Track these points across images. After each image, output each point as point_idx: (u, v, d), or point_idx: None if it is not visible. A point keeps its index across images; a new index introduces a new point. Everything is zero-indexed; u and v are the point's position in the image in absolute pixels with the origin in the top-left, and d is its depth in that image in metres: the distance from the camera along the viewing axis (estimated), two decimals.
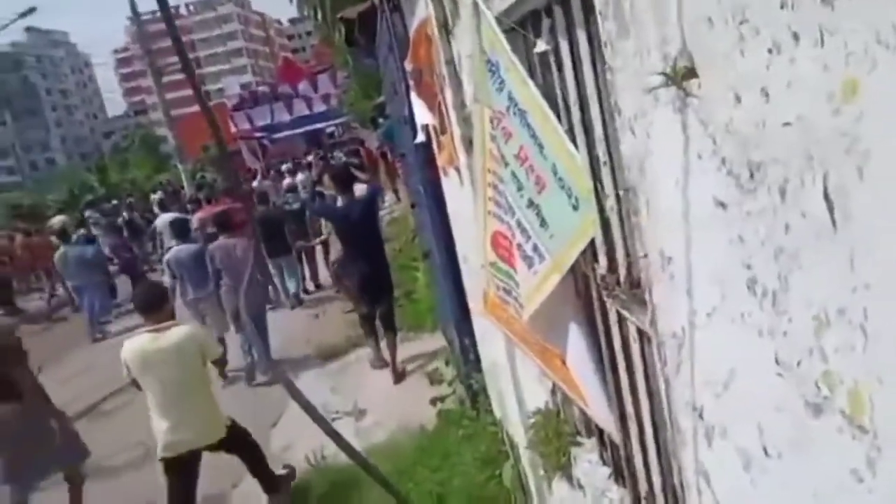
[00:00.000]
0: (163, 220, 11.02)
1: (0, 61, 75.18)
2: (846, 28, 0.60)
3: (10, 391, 4.27)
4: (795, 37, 0.67)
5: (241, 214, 7.12)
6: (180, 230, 7.65)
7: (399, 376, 5.95)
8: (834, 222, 0.66)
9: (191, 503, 3.98)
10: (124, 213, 18.07)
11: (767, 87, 0.72)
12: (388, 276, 6.36)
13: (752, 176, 0.79)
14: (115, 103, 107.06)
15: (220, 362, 4.97)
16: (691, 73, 0.88)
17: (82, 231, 13.48)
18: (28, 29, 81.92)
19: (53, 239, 11.98)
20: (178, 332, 4.00)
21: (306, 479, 4.65)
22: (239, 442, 4.26)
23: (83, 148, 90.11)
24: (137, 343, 3.96)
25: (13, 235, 15.97)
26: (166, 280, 6.99)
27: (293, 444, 5.16)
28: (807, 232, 0.70)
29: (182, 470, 3.95)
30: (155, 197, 20.82)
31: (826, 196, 0.66)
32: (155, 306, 4.07)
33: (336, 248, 7.20)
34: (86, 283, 9.97)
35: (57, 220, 14.33)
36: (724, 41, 0.79)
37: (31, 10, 27.12)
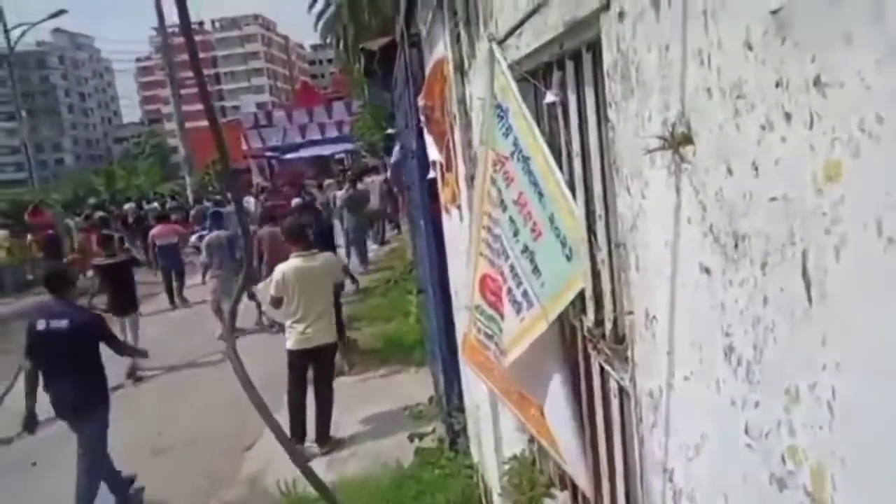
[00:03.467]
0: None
1: (23, 59, 76.09)
2: (834, 113, 0.62)
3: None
4: (787, 116, 0.69)
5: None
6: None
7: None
8: (810, 299, 0.67)
9: (304, 385, 5.43)
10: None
11: (757, 161, 0.74)
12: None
13: (736, 246, 0.80)
14: (130, 110, 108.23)
15: (340, 286, 6.45)
16: (688, 139, 0.90)
17: None
18: (55, 30, 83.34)
19: None
20: (322, 257, 5.55)
21: None
22: (329, 361, 5.57)
23: (94, 151, 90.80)
24: (293, 264, 5.33)
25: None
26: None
27: (266, 469, 5.08)
28: (784, 306, 0.72)
29: (303, 360, 5.39)
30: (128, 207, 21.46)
31: (804, 273, 0.67)
32: (303, 237, 5.50)
33: None
34: None
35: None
36: (720, 113, 0.81)
37: (62, 12, 27.62)
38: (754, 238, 0.76)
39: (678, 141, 0.92)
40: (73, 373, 4.49)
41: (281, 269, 5.36)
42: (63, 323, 4.56)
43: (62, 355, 4.50)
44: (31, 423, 4.62)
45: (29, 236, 16.40)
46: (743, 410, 0.82)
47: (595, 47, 1.40)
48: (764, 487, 0.78)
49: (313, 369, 5.49)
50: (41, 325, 4.60)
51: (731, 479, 0.87)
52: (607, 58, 1.18)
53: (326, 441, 5.40)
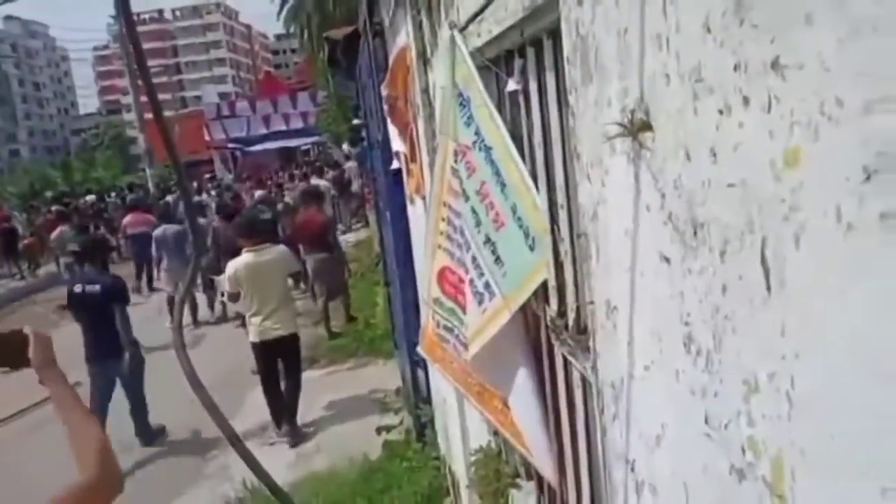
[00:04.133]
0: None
1: None
2: (793, 96, 0.60)
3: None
4: (745, 101, 0.67)
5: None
6: None
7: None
8: (769, 288, 0.66)
9: (275, 374, 5.51)
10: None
11: (715, 147, 0.73)
12: None
13: (695, 234, 0.79)
14: (88, 100, 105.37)
15: (296, 275, 7.30)
16: (646, 125, 0.88)
17: None
18: (7, 17, 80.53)
19: None
20: (274, 250, 5.58)
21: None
22: (291, 351, 5.59)
23: (50, 142, 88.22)
24: (244, 259, 5.40)
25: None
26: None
27: (232, 464, 5.00)
28: (742, 295, 0.70)
29: (266, 351, 5.42)
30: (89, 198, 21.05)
31: (763, 261, 0.66)
32: (253, 232, 5.53)
33: None
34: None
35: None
36: (678, 98, 0.79)
37: None
38: (713, 225, 0.75)
39: (637, 127, 0.90)
40: (103, 327, 5.49)
41: (233, 264, 5.49)
42: (96, 287, 5.54)
43: (95, 314, 5.51)
44: None
45: None
46: (702, 400, 0.81)
47: (555, 33, 1.37)
48: (724, 478, 0.77)
49: (281, 360, 5.57)
50: (78, 288, 5.64)
51: (691, 469, 0.86)
52: (567, 43, 1.15)
53: (292, 429, 5.44)
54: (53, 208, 17.66)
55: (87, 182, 33.84)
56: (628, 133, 0.91)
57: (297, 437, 5.42)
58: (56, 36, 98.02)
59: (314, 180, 14.07)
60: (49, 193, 26.28)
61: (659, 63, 0.83)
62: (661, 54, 0.82)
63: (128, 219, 12.01)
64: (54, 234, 11.85)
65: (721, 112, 0.71)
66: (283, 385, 5.58)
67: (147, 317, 9.66)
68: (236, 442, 1.63)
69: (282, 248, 5.78)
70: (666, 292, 0.87)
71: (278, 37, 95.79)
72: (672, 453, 0.93)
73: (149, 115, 26.17)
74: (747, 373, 0.71)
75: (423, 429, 4.53)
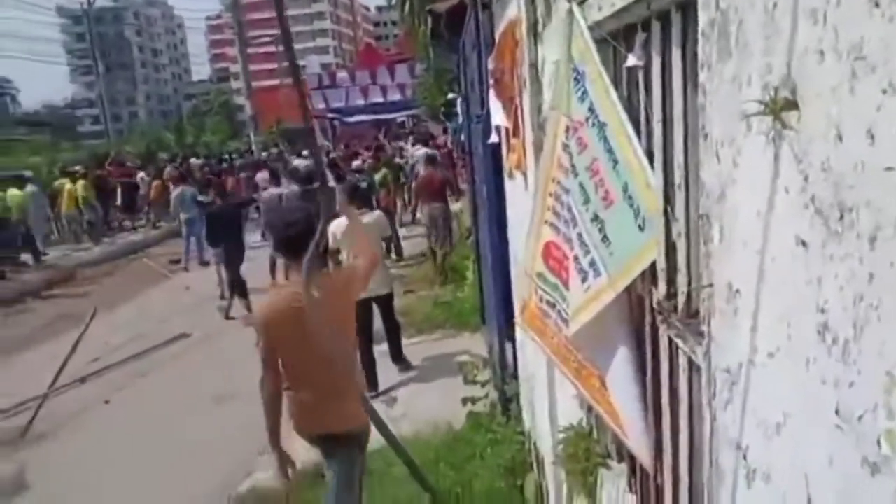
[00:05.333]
0: None
1: (101, 14, 78.48)
2: None
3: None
4: None
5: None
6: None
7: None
8: None
9: (370, 333, 5.90)
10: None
11: (874, 128, 0.69)
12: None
13: (841, 218, 0.76)
14: (200, 68, 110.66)
15: (388, 240, 8.95)
16: (792, 104, 0.85)
17: None
18: None
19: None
20: (371, 215, 6.26)
21: None
22: (390, 308, 6.32)
23: (165, 106, 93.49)
24: (343, 221, 5.53)
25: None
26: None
27: None
28: (892, 284, 0.67)
29: (363, 310, 5.48)
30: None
31: None
32: (355, 199, 5.98)
33: None
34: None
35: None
36: (834, 76, 0.76)
37: None
38: (863, 210, 0.72)
39: (780, 106, 0.86)
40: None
41: (334, 224, 5.77)
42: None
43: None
44: None
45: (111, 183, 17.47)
46: (835, 390, 0.78)
47: (685, 6, 1.33)
48: (853, 471, 0.75)
49: (380, 313, 6.18)
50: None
51: (814, 460, 0.84)
52: (703, 17, 1.12)
53: (400, 361, 6.34)
54: (169, 168, 18.77)
55: (198, 145, 35.68)
56: (770, 112, 0.88)
57: (406, 365, 6.31)
58: (174, 5, 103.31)
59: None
60: (163, 155, 27.90)
61: (813, 38, 0.80)
62: (815, 29, 0.79)
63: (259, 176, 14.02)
64: (175, 193, 12.58)
65: (885, 91, 0.67)
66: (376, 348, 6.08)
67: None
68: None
69: (378, 213, 6.68)
70: (801, 277, 0.84)
71: (380, 9, 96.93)
72: (794, 442, 0.90)
73: (256, 84, 27.20)
74: (890, 364, 0.68)
75: (508, 403, 4.56)
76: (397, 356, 6.34)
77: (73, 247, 15.18)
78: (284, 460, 3.19)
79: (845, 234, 0.75)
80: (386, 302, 6.23)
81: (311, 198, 9.12)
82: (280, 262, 7.15)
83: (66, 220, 16.03)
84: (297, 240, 3.15)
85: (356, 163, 13.62)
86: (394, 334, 6.36)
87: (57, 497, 4.89)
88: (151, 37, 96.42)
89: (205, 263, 11.42)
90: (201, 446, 5.22)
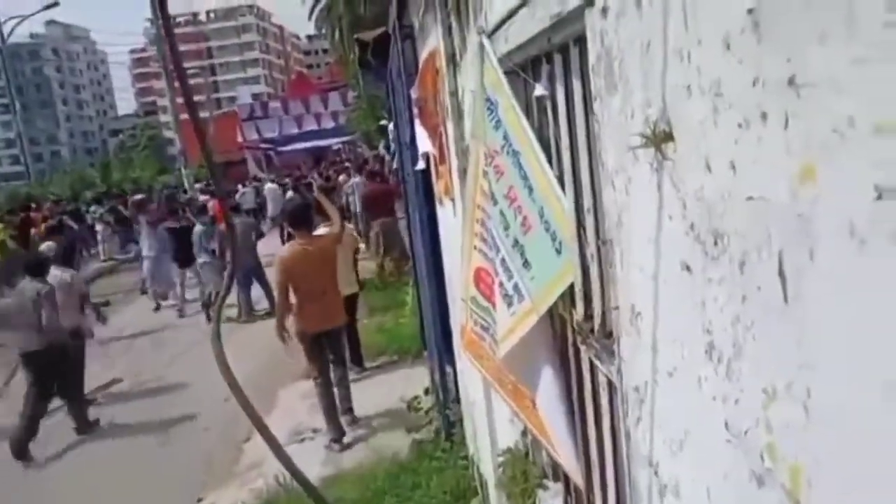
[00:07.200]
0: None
1: (17, 51, 75.56)
2: (809, 114, 0.62)
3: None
4: (763, 116, 0.69)
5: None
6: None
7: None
8: (786, 298, 0.67)
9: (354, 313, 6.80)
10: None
11: (735, 160, 0.74)
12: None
13: (716, 244, 0.80)
14: (126, 102, 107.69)
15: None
16: (669, 136, 0.90)
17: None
18: (49, 22, 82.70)
19: None
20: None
21: (275, 500, 4.59)
22: (354, 307, 6.89)
23: (90, 144, 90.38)
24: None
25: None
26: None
27: (264, 461, 5.10)
28: (761, 305, 0.72)
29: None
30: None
31: (780, 272, 0.68)
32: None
33: None
34: None
35: None
36: (700, 110, 0.81)
37: (55, 4, 27.43)
38: (733, 236, 0.76)
39: (659, 138, 0.91)
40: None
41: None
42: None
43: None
44: None
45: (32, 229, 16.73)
46: (724, 407, 0.82)
47: (581, 41, 1.39)
48: (744, 484, 0.79)
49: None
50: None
51: (713, 474, 0.88)
52: (591, 53, 1.17)
53: (360, 365, 6.83)
54: (136, 198, 18.30)
55: (125, 182, 34.60)
56: (651, 143, 0.93)
57: (361, 368, 6.91)
58: (96, 39, 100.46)
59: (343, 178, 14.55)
60: (89, 193, 26.93)
61: (681, 76, 0.85)
62: (682, 67, 0.84)
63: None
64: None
65: (740, 126, 0.72)
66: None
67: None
68: (270, 440, 1.68)
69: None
70: (688, 300, 0.89)
71: (310, 37, 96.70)
72: (694, 458, 0.94)
73: (184, 116, 26.66)
74: (766, 381, 0.72)
75: (452, 428, 4.56)
76: (357, 362, 6.80)
77: None
78: (282, 330, 5.40)
79: (720, 259, 0.80)
80: (352, 300, 6.77)
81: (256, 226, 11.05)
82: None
83: None
84: (295, 214, 5.80)
85: (290, 194, 13.65)
86: (352, 328, 6.77)
87: None
88: (73, 72, 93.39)
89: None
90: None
